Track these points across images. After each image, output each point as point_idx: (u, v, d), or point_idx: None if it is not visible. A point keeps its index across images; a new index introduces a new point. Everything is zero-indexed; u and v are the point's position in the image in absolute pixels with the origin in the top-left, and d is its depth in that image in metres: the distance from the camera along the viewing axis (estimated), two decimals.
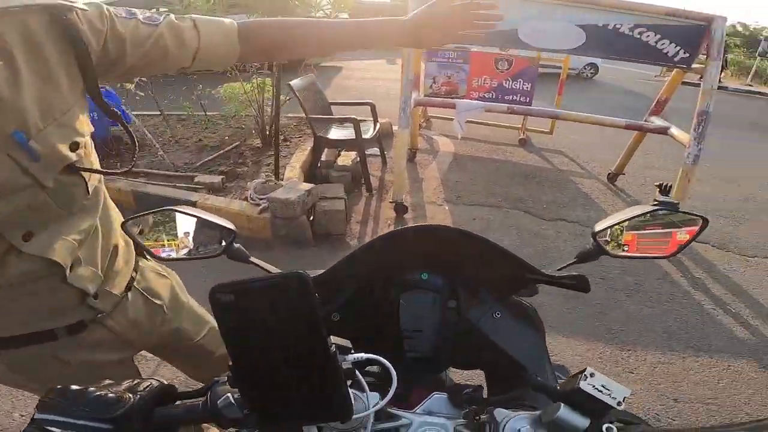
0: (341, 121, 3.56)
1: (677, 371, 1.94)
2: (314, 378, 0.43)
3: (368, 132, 3.53)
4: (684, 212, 0.72)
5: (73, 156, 0.61)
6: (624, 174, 3.88)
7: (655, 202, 0.71)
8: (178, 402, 0.53)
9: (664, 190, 0.76)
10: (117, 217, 0.84)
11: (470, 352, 0.76)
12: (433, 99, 4.06)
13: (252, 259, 0.76)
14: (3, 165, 0.54)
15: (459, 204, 3.32)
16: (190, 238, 0.81)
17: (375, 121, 3.75)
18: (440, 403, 0.56)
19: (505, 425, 0.48)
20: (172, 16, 0.71)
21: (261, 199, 2.87)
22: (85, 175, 0.66)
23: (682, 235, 0.74)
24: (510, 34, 2.91)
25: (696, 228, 0.73)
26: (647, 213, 0.71)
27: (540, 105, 4.66)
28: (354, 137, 3.28)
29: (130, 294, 0.84)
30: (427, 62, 4.29)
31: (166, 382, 0.53)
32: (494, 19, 0.80)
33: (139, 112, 4.39)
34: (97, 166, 0.69)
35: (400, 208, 3.08)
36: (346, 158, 3.52)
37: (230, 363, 0.44)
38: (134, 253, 0.87)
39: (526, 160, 4.37)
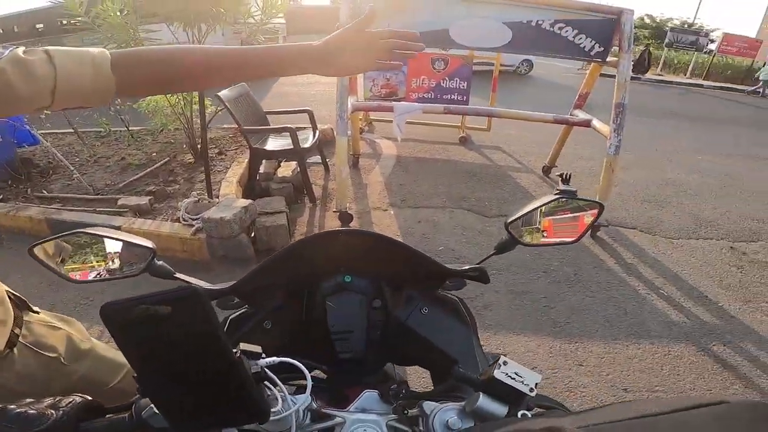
0: (278, 131, 3.43)
1: (622, 360, 2.01)
2: (221, 384, 0.44)
3: (307, 141, 3.43)
4: (581, 198, 0.77)
5: None
6: (557, 166, 4.07)
7: (557, 191, 0.75)
8: (102, 418, 0.53)
9: (565, 179, 0.81)
10: None
11: (405, 348, 0.78)
12: (370, 103, 4.03)
13: (177, 275, 0.76)
14: None
15: (404, 207, 3.31)
16: (112, 258, 0.81)
17: (314, 128, 3.65)
18: (372, 400, 0.58)
19: (434, 417, 0.51)
20: (21, 49, 0.60)
21: (194, 219, 2.68)
22: None
23: (588, 219, 0.79)
24: (442, 33, 2.94)
25: (596, 212, 0.78)
26: (551, 201, 0.75)
27: (477, 102, 4.80)
28: (292, 147, 3.17)
29: (15, 349, 0.82)
30: None
31: (89, 398, 0.53)
32: (416, 49, 0.77)
33: (48, 131, 3.99)
34: None
35: (344, 217, 3.01)
36: (287, 169, 3.39)
37: (134, 375, 0.45)
38: (12, 310, 0.82)
39: (467, 158, 4.46)
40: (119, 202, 3.02)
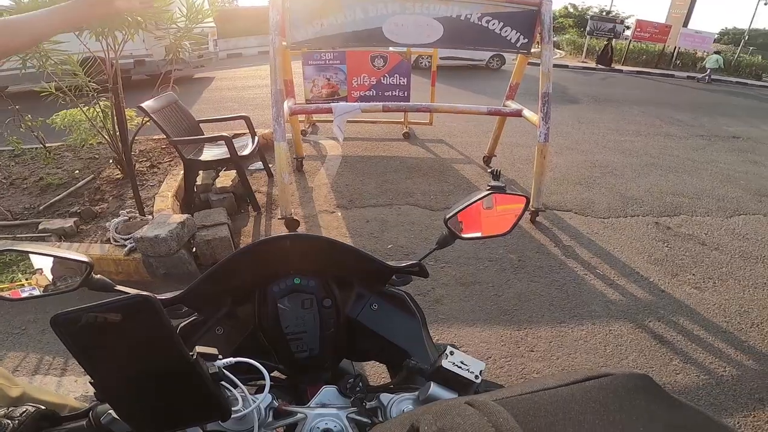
0: (213, 140, 3.27)
1: (569, 343, 2.11)
2: (180, 385, 0.45)
3: (247, 147, 3.31)
4: (509, 193, 0.81)
5: None
6: (496, 156, 4.23)
7: (488, 187, 0.79)
8: (60, 426, 0.54)
9: (496, 175, 0.82)
10: None
11: (359, 344, 0.81)
12: (308, 106, 3.96)
13: (117, 287, 0.74)
14: None
15: (351, 208, 3.30)
16: (46, 274, 0.77)
17: (253, 134, 3.53)
18: (331, 395, 0.60)
19: (391, 407, 0.54)
20: None
21: (125, 239, 2.51)
22: None
23: (517, 211, 0.84)
24: (376, 32, 2.94)
25: (522, 205, 0.83)
26: (483, 197, 0.78)
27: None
28: (229, 156, 3.04)
29: None
30: (305, 66, 4.17)
31: (44, 408, 0.53)
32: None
33: None
34: None
35: (290, 223, 2.94)
36: (226, 178, 3.25)
37: (90, 381, 0.46)
38: None
39: (411, 154, 4.52)
40: (40, 226, 2.75)
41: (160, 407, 0.47)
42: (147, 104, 3.00)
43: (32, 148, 4.01)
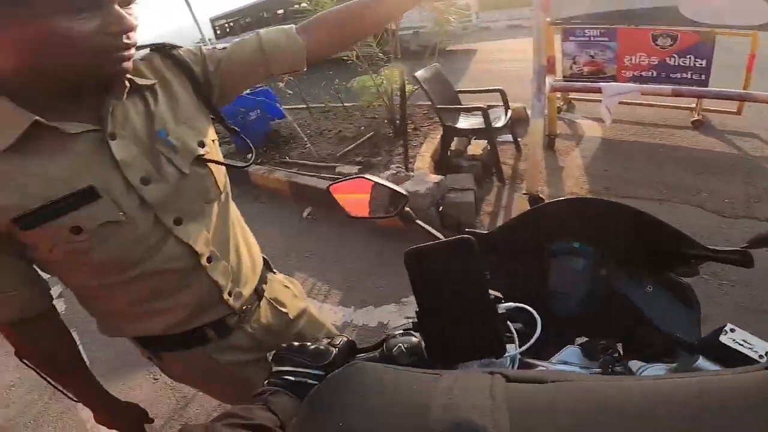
0: (469, 110, 3.45)
1: None
2: (476, 322, 0.51)
3: (499, 120, 3.34)
4: None
5: (200, 150, 0.75)
6: None
7: None
8: (359, 354, 0.64)
9: None
10: (241, 226, 0.93)
11: (612, 321, 0.78)
12: (573, 83, 3.60)
13: (417, 221, 0.88)
14: (157, 157, 0.70)
15: (607, 195, 2.91)
16: (373, 201, 0.97)
17: (506, 107, 3.52)
18: (574, 355, 0.60)
19: (641, 374, 0.52)
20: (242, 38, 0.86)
21: None
22: (213, 169, 0.78)
23: None
24: (666, 10, 2.38)
25: None
26: None
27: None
28: (483, 126, 3.14)
29: (262, 303, 0.95)
30: (565, 42, 3.82)
31: (351, 338, 0.65)
32: None
33: (289, 107, 4.95)
34: (222, 160, 0.82)
35: (534, 200, 2.83)
36: (477, 147, 3.40)
37: (416, 311, 0.55)
38: (261, 264, 0.98)
39: (702, 145, 3.57)
40: (336, 170, 3.59)
41: (455, 341, 0.52)
42: (419, 74, 3.40)
43: (335, 107, 5.17)
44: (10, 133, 0.59)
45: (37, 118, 0.58)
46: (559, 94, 4.37)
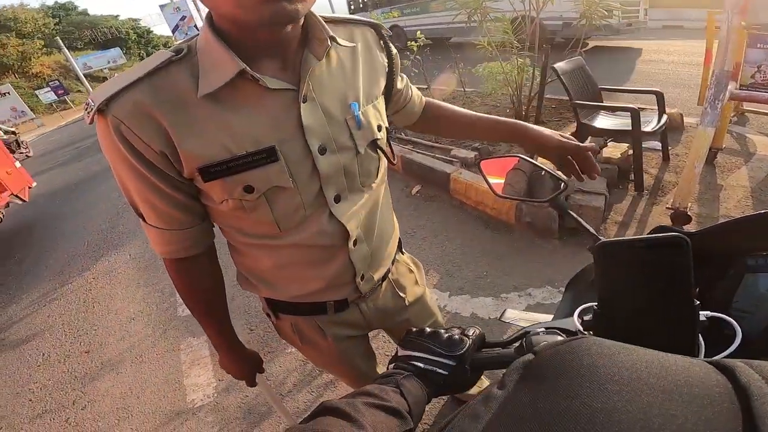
0: (613, 109, 3.10)
1: None
2: (673, 327, 0.46)
3: (649, 124, 2.94)
4: None
5: (378, 134, 0.75)
6: None
7: None
8: (485, 349, 0.61)
9: None
10: (391, 213, 0.93)
11: None
12: (759, 93, 3.01)
13: (570, 212, 0.81)
14: (342, 126, 0.69)
15: None
16: (524, 183, 0.92)
17: (661, 112, 3.08)
18: None
19: None
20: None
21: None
22: (381, 155, 0.79)
23: None
24: None
25: None
26: None
27: None
28: (629, 128, 2.80)
29: (384, 283, 0.93)
30: (750, 48, 3.20)
31: (483, 331, 0.62)
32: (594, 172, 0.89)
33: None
34: (389, 153, 0.82)
35: (680, 217, 2.49)
36: (615, 150, 3.05)
37: (595, 306, 0.50)
38: (396, 248, 0.96)
39: None
40: (451, 153, 3.52)
41: (639, 343, 0.45)
42: (559, 65, 3.14)
43: (456, 90, 5.07)
44: (218, 78, 0.58)
45: (245, 66, 0.57)
46: (732, 103, 3.75)
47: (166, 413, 2.06)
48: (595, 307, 0.51)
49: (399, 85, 0.88)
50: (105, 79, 19.76)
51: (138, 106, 0.58)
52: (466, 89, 5.09)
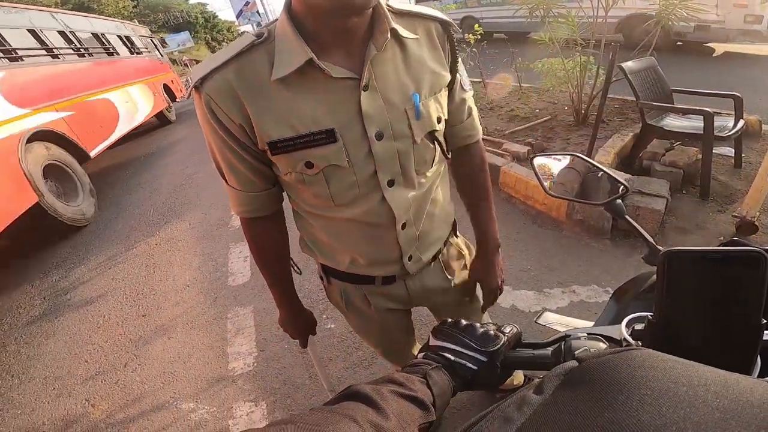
0: (684, 112, 2.93)
1: None
2: (731, 344, 0.43)
3: (724, 129, 2.76)
4: None
5: (437, 126, 0.77)
6: None
7: None
8: (519, 348, 0.59)
9: None
10: (446, 197, 0.94)
11: None
12: None
13: (627, 217, 0.77)
14: (401, 115, 0.72)
15: None
16: (577, 183, 0.90)
17: (738, 117, 2.87)
18: None
19: None
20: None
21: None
22: (436, 146, 0.80)
23: None
24: None
25: None
26: None
27: None
28: (701, 132, 2.63)
29: (433, 264, 0.95)
30: None
31: (519, 329, 0.60)
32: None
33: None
34: (443, 144, 0.83)
35: (745, 226, 2.33)
36: (681, 154, 2.89)
37: (650, 316, 0.47)
38: (449, 230, 0.98)
39: None
40: (503, 146, 3.48)
41: (696, 359, 0.43)
42: (627, 65, 3.02)
43: (511, 85, 4.95)
44: (289, 64, 0.65)
45: (313, 56, 0.63)
46: None
47: (208, 379, 2.13)
48: (650, 316, 0.48)
49: (456, 96, 0.85)
50: (175, 62, 20.96)
51: (225, 85, 0.66)
52: (523, 84, 4.96)
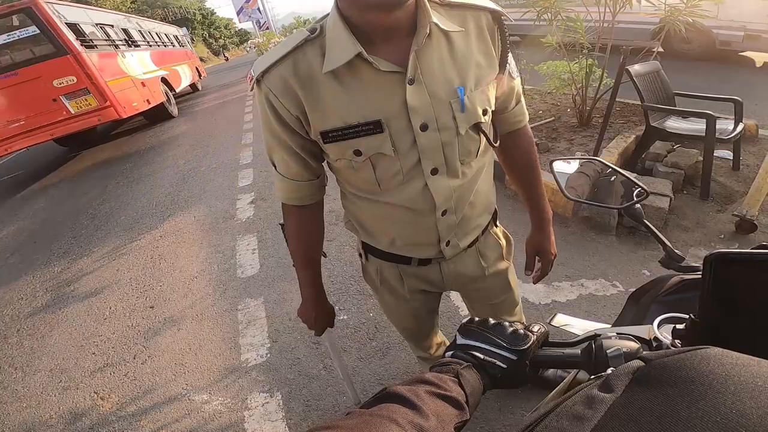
0: (686, 114, 3.01)
1: None
2: None
3: (725, 132, 2.85)
4: None
5: (482, 118, 0.78)
6: None
7: None
8: (544, 347, 0.59)
9: None
10: (489, 186, 0.95)
11: None
12: None
13: (645, 221, 0.78)
14: (446, 108, 0.74)
15: None
16: (588, 186, 0.92)
17: (738, 120, 2.96)
18: None
19: None
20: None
21: None
22: (481, 137, 0.82)
23: None
24: None
25: None
26: None
27: None
28: (702, 134, 2.72)
29: (469, 250, 0.97)
30: None
31: (547, 329, 0.60)
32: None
33: None
34: (490, 136, 0.84)
35: (744, 225, 2.41)
36: (683, 156, 2.97)
37: (692, 316, 0.47)
38: (489, 218, 0.99)
39: None
40: None
41: None
42: (634, 67, 3.09)
43: (529, 88, 4.96)
44: (339, 58, 0.68)
45: (362, 50, 0.67)
46: None
47: (221, 371, 2.12)
48: (693, 317, 0.47)
49: (504, 85, 0.85)
50: None
51: (282, 79, 0.71)
52: (526, 86, 5.02)
